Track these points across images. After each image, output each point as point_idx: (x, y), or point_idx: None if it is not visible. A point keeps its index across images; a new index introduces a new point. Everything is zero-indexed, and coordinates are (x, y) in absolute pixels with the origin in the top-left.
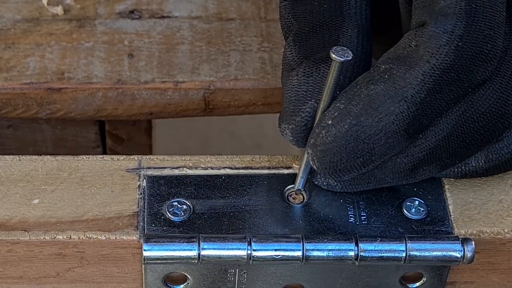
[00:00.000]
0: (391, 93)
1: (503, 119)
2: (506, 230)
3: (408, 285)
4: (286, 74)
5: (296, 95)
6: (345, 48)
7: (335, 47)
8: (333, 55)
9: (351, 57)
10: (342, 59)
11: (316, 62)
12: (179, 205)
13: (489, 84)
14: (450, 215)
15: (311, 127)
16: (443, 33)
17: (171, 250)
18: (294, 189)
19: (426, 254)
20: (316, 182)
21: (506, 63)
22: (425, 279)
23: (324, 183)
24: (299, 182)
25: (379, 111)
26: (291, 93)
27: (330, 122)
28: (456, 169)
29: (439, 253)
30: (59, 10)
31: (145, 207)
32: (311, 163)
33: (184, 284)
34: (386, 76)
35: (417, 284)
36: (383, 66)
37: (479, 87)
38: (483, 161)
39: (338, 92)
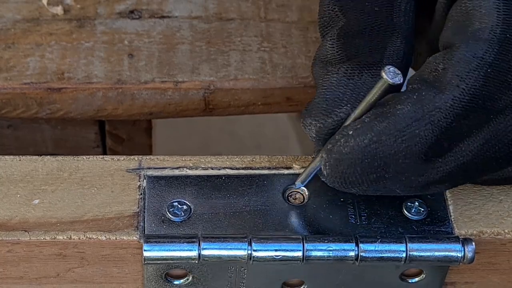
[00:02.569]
0: (418, 116)
1: None
2: (506, 231)
3: (407, 279)
4: (322, 66)
5: (332, 94)
6: (398, 72)
7: (389, 67)
8: (385, 76)
9: (400, 82)
10: (392, 80)
11: (360, 66)
12: (179, 205)
13: None
14: (450, 216)
15: None
16: (473, 57)
17: (171, 250)
18: (295, 187)
19: (426, 254)
20: (323, 179)
21: None
22: (424, 275)
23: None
24: (303, 180)
25: (403, 132)
26: (328, 90)
27: (351, 132)
28: None
29: (439, 254)
30: (59, 10)
31: (146, 207)
32: (322, 167)
33: (185, 278)
34: (414, 97)
35: (417, 279)
36: (411, 86)
37: (500, 114)
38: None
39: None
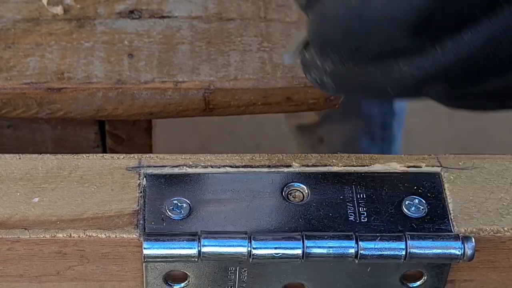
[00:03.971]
0: None
1: None
2: (505, 228)
3: (408, 284)
4: None
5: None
6: None
7: None
8: None
9: None
10: None
11: None
12: (179, 203)
13: None
14: (450, 213)
15: None
16: None
17: (171, 248)
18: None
19: (426, 252)
20: (309, 78)
21: None
22: (425, 278)
23: (318, 79)
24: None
25: None
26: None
27: None
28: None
29: (439, 251)
30: (59, 10)
31: (145, 205)
32: (307, 30)
33: (185, 282)
34: None
35: (418, 283)
36: None
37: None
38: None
39: None
